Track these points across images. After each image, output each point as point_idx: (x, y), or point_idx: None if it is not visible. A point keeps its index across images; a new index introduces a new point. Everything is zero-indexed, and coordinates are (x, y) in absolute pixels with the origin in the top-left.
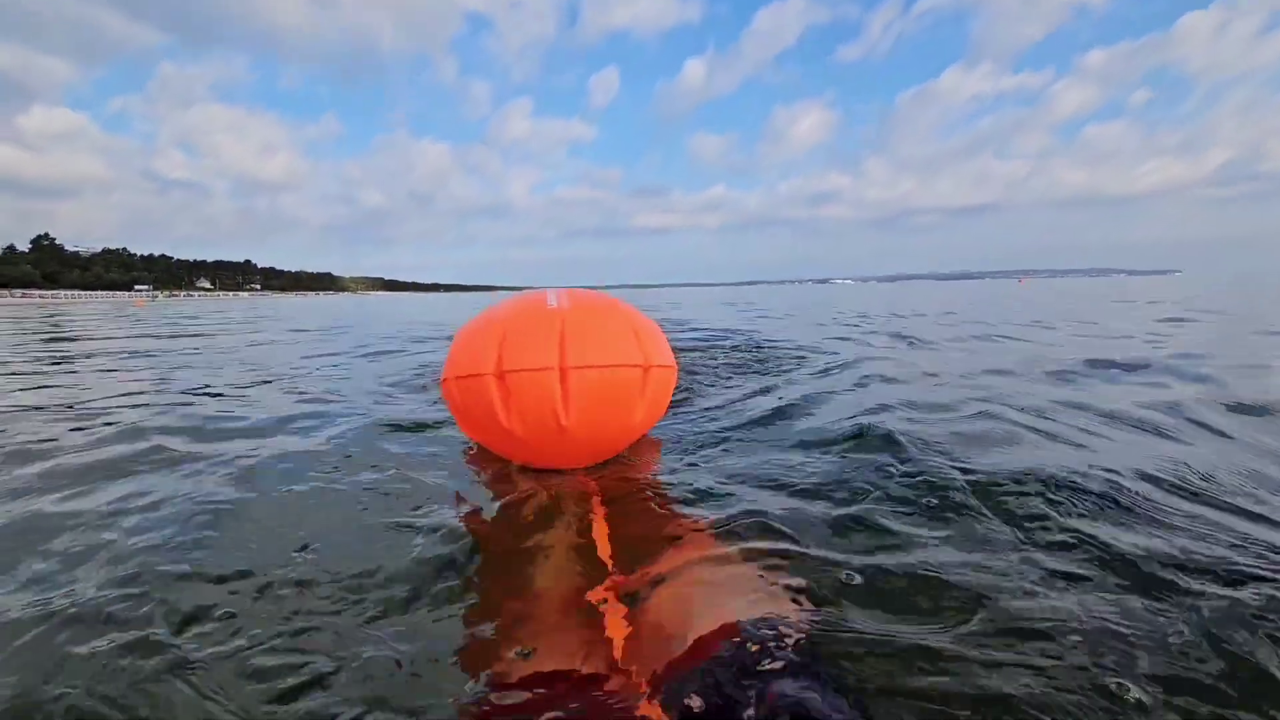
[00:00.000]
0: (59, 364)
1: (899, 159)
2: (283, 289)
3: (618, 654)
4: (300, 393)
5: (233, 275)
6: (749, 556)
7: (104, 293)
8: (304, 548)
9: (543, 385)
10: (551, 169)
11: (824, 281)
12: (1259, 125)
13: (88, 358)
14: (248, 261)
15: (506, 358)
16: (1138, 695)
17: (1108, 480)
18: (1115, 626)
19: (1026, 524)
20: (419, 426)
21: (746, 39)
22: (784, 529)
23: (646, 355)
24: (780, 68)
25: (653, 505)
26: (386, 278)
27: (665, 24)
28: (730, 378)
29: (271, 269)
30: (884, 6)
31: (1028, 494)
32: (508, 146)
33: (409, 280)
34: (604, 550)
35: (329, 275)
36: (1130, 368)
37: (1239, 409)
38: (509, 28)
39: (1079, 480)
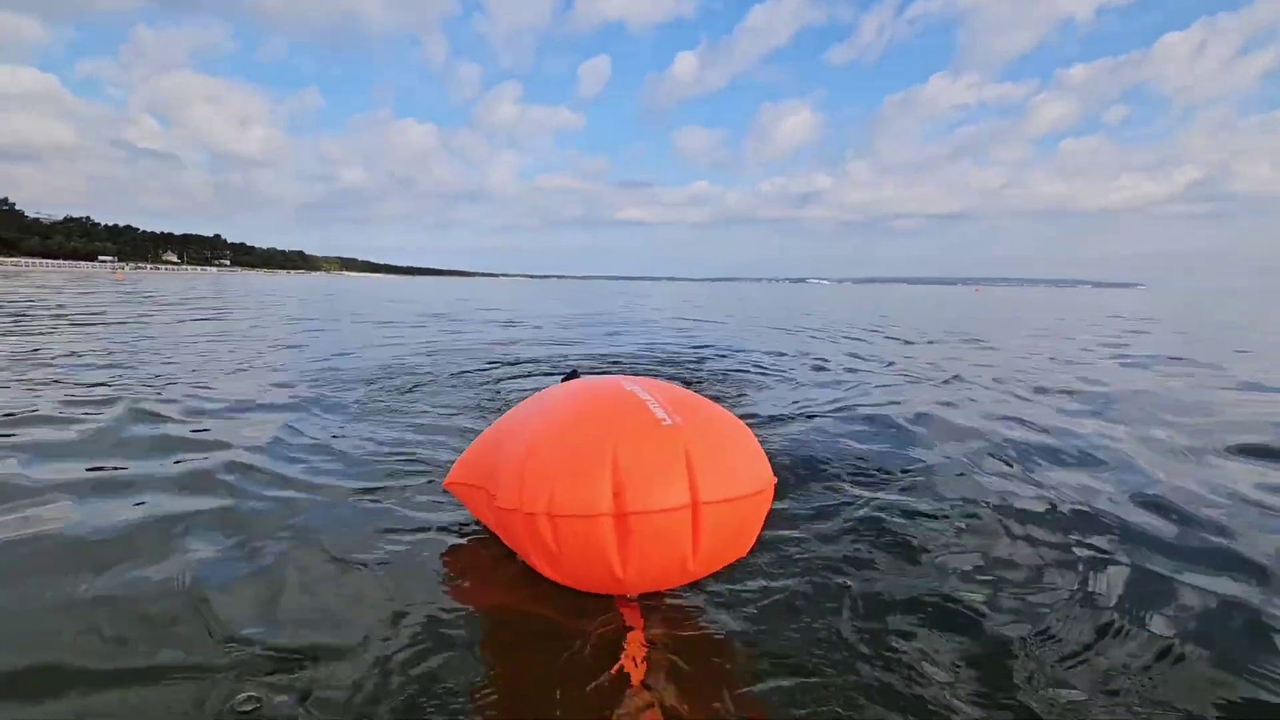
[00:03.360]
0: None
1: (881, 163)
2: (253, 266)
3: None
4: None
5: (201, 250)
6: None
7: (66, 262)
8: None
9: (672, 528)
10: (537, 155)
11: (800, 281)
12: (1229, 146)
13: None
14: (217, 236)
15: (629, 495)
16: None
17: None
18: None
19: None
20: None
21: (740, 35)
22: None
23: (764, 476)
24: (771, 65)
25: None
26: (361, 259)
27: (660, 15)
28: None
29: (242, 245)
30: (877, 9)
31: None
32: (493, 131)
33: (384, 263)
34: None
35: (301, 254)
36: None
37: None
38: (502, 11)
39: None
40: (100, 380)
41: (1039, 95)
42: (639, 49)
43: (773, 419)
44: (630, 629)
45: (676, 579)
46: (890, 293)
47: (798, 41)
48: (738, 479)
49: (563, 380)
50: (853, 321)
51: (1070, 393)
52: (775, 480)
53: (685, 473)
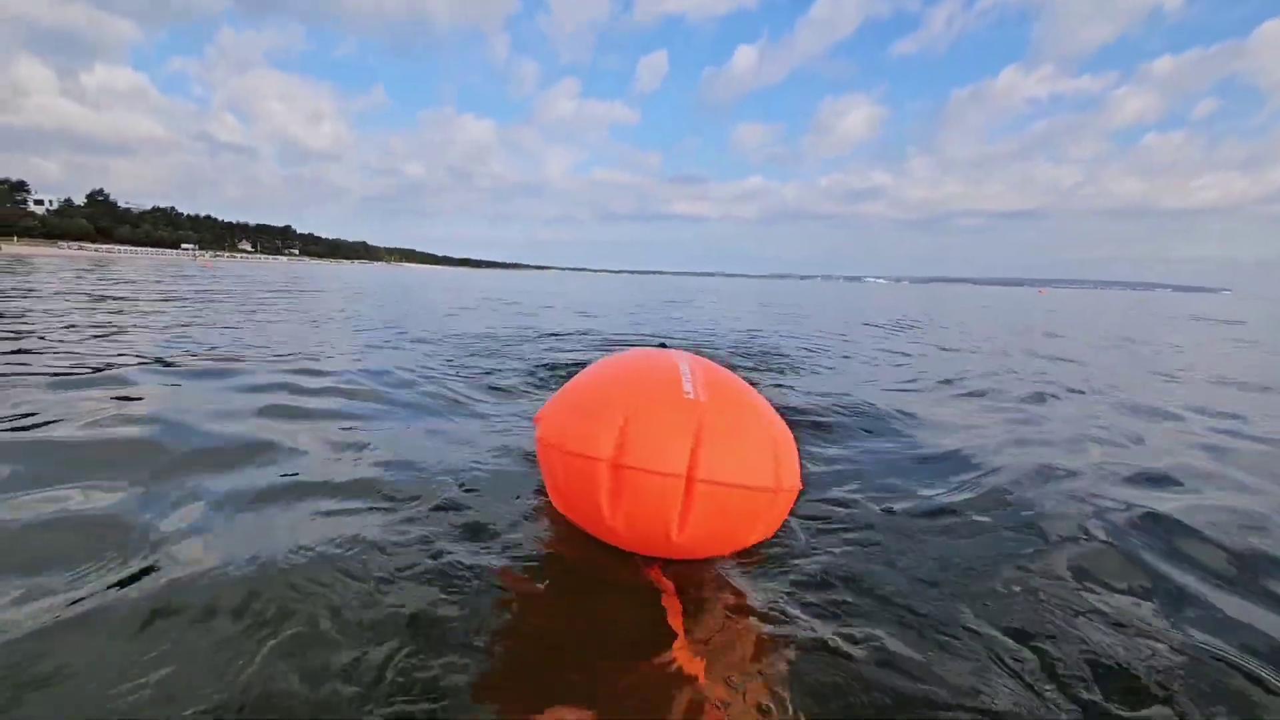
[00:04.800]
0: None
1: (946, 159)
2: (319, 256)
3: None
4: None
5: (273, 239)
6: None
7: (154, 249)
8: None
9: (663, 492)
10: (592, 150)
11: (856, 279)
12: None
13: None
14: (288, 227)
15: (628, 449)
16: None
17: None
18: None
19: None
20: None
21: (802, 28)
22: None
23: (779, 477)
24: (833, 59)
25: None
26: (420, 250)
27: (722, 8)
28: None
29: (310, 235)
30: (946, 0)
31: None
32: (550, 126)
33: (442, 254)
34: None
35: (364, 245)
36: None
37: None
38: (563, 8)
39: None
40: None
41: (1119, 89)
42: (698, 43)
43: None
44: (658, 588)
45: (662, 546)
46: (946, 293)
47: (861, 34)
48: (743, 468)
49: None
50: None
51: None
52: (798, 487)
53: (689, 446)
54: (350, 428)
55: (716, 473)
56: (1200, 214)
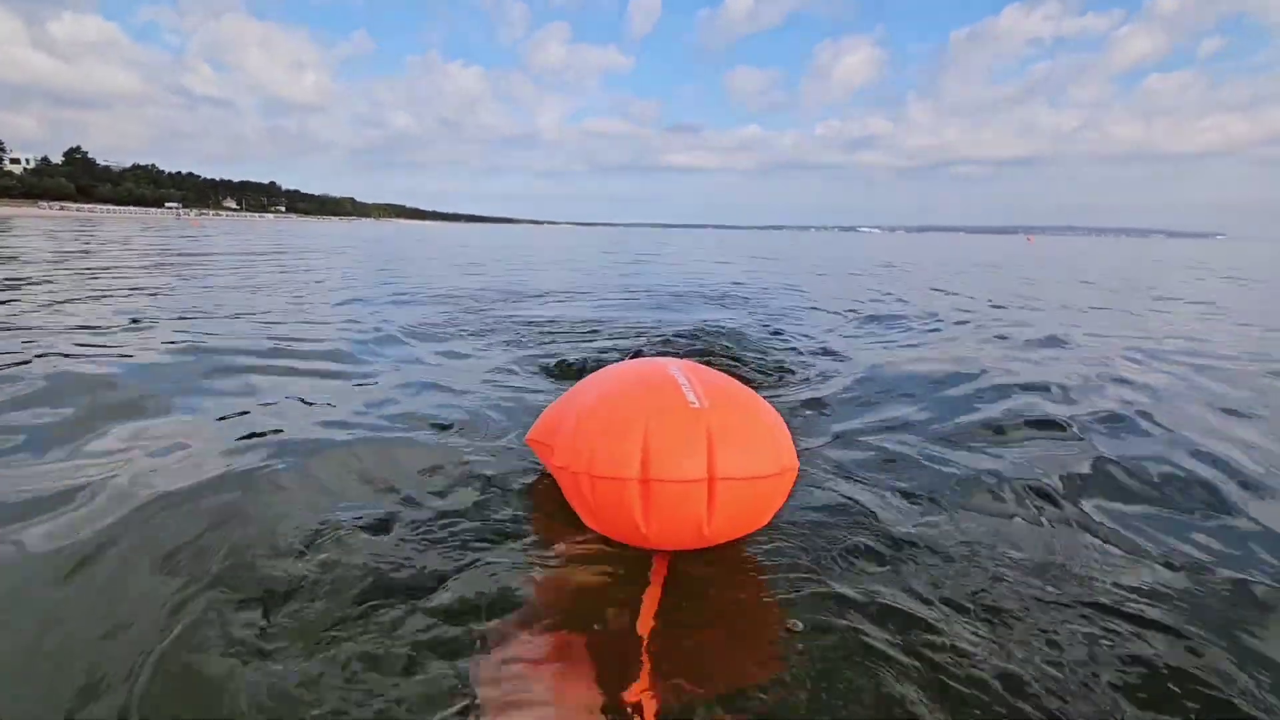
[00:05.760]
0: None
1: (945, 104)
2: (306, 213)
3: None
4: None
5: (258, 196)
6: None
7: (137, 208)
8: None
9: (690, 497)
10: (585, 98)
11: (850, 229)
12: None
13: None
14: (273, 183)
15: (653, 464)
16: None
17: None
18: None
19: None
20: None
21: None
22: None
23: (782, 462)
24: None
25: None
26: (410, 205)
27: None
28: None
29: (296, 192)
30: None
31: None
32: (541, 73)
33: (431, 209)
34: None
35: (351, 200)
36: None
37: None
38: None
39: None
40: None
41: (1123, 27)
42: None
43: None
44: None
45: (693, 542)
46: (923, 241)
47: None
48: (754, 460)
49: (629, 358)
50: None
51: None
52: (797, 466)
53: (705, 451)
54: None
55: (733, 470)
56: (1200, 157)
